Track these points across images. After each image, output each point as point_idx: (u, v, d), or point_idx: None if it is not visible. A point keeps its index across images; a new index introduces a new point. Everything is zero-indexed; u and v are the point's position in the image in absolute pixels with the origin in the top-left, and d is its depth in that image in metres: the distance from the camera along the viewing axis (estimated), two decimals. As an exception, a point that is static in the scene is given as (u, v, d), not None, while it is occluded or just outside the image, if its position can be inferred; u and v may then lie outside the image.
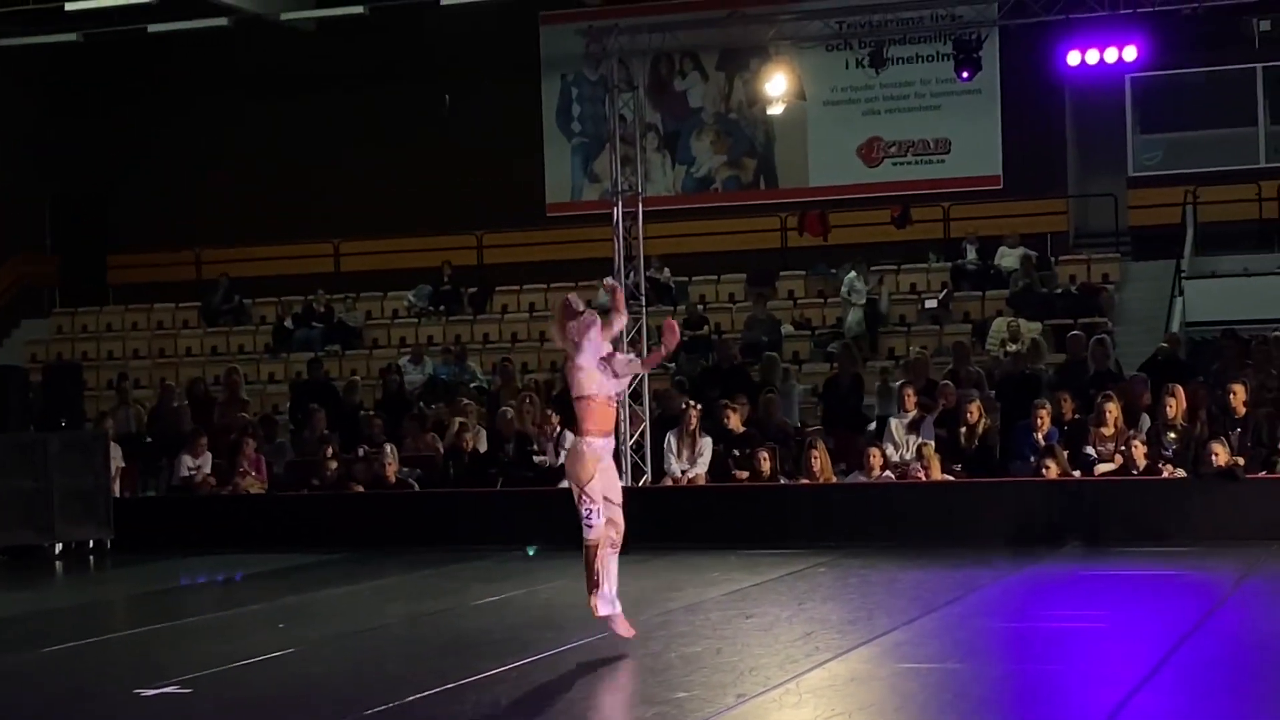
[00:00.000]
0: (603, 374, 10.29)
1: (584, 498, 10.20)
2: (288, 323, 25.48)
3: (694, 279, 24.64)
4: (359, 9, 25.40)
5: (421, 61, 26.24)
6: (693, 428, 17.66)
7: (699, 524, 17.00)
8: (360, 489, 18.47)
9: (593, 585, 10.28)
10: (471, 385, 21.82)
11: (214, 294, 26.59)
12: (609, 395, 10.36)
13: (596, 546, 10.23)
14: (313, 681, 9.95)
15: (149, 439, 21.07)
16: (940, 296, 22.89)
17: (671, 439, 17.81)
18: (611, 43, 19.02)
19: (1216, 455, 15.64)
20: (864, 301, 22.53)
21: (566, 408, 18.94)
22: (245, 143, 27.15)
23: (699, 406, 17.86)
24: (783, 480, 17.29)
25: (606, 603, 10.32)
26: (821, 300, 23.82)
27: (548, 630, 11.40)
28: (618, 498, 10.40)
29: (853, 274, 22.70)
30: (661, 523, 17.07)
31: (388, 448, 18.66)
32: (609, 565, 10.35)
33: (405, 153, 26.28)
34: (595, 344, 10.30)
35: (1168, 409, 16.23)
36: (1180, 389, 16.43)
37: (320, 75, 26.65)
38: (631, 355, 11.32)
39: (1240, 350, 18.71)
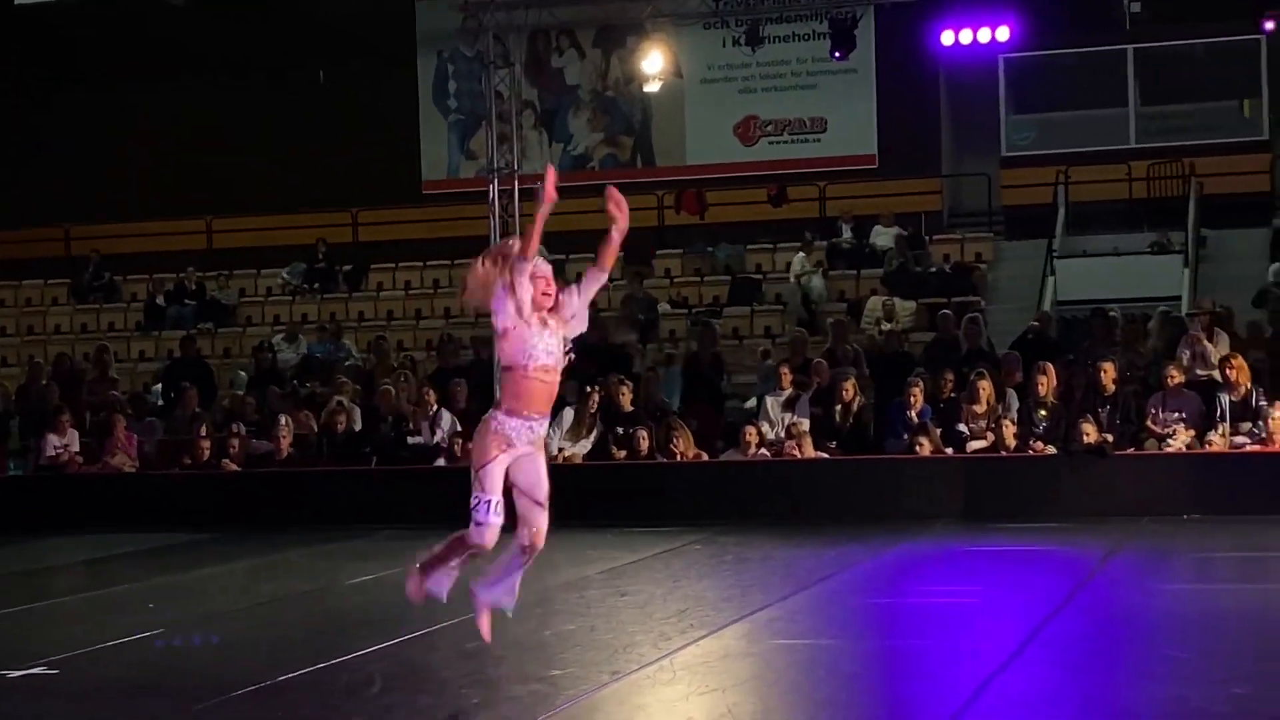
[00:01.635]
0: (534, 333, 8.31)
1: (476, 485, 8.40)
2: (159, 300, 25.15)
3: (571, 257, 24.54)
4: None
5: (296, 38, 25.96)
6: (593, 410, 17.64)
7: (576, 502, 16.93)
8: (234, 468, 18.29)
9: (429, 564, 8.76)
10: (347, 363, 21.65)
11: (84, 271, 26.18)
12: (540, 365, 8.36)
13: (467, 543, 8.54)
14: (182, 662, 9.85)
15: (16, 417, 20.71)
16: (819, 271, 23.01)
17: (566, 416, 17.76)
18: (488, 19, 18.99)
19: (1086, 433, 15.89)
20: (810, 284, 22.44)
21: (443, 386, 19.03)
22: (117, 119, 26.73)
23: (601, 390, 17.81)
24: (660, 459, 17.34)
25: (485, 589, 8.76)
26: (698, 278, 23.89)
27: (422, 609, 11.33)
28: (540, 495, 8.56)
29: (801, 255, 22.71)
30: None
31: (282, 419, 18.54)
32: (518, 570, 8.78)
33: (279, 129, 26.02)
34: (522, 289, 8.26)
35: (1039, 387, 16.44)
36: (1051, 367, 16.66)
37: (193, 51, 26.28)
38: (579, 283, 8.77)
39: (1109, 329, 19.01)
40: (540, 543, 8.57)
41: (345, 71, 25.83)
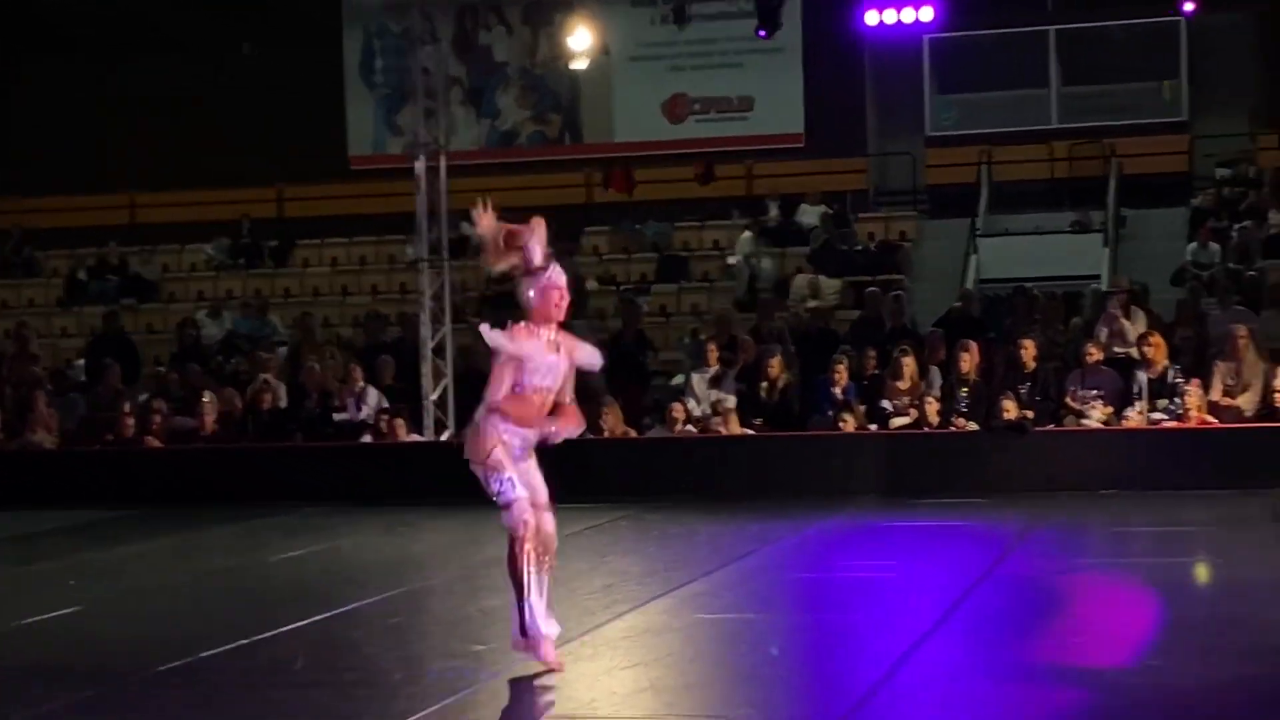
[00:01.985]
0: (538, 356, 8.05)
1: (489, 472, 8.06)
2: (81, 275, 24.90)
3: (498, 233, 24.54)
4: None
5: (221, 12, 25.71)
6: (520, 389, 17.59)
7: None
8: (157, 444, 18.16)
9: (522, 625, 8.13)
10: (272, 340, 21.52)
11: (4, 246, 25.86)
12: (536, 386, 8.14)
13: (517, 552, 8.10)
14: (104, 639, 9.80)
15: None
16: (748, 251, 23.05)
17: (499, 392, 17.71)
18: (415, -5, 18.88)
19: (1006, 409, 16.03)
20: (760, 265, 22.37)
21: (370, 362, 18.96)
22: (37, 93, 26.37)
23: None
24: (588, 435, 17.32)
25: (538, 622, 8.14)
26: (626, 256, 23.90)
27: (348, 585, 11.34)
28: (541, 498, 8.25)
29: (748, 234, 22.68)
30: (465, 477, 17.05)
31: (206, 396, 18.42)
32: (545, 587, 8.25)
33: (204, 104, 25.75)
34: (546, 318, 8.06)
35: (961, 364, 16.57)
36: (973, 344, 16.80)
37: (116, 24, 25.97)
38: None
39: (1030, 306, 19.15)
40: (554, 545, 8.33)
41: (271, 46, 25.61)
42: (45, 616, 10.43)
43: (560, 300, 8.08)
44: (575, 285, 23.29)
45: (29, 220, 26.07)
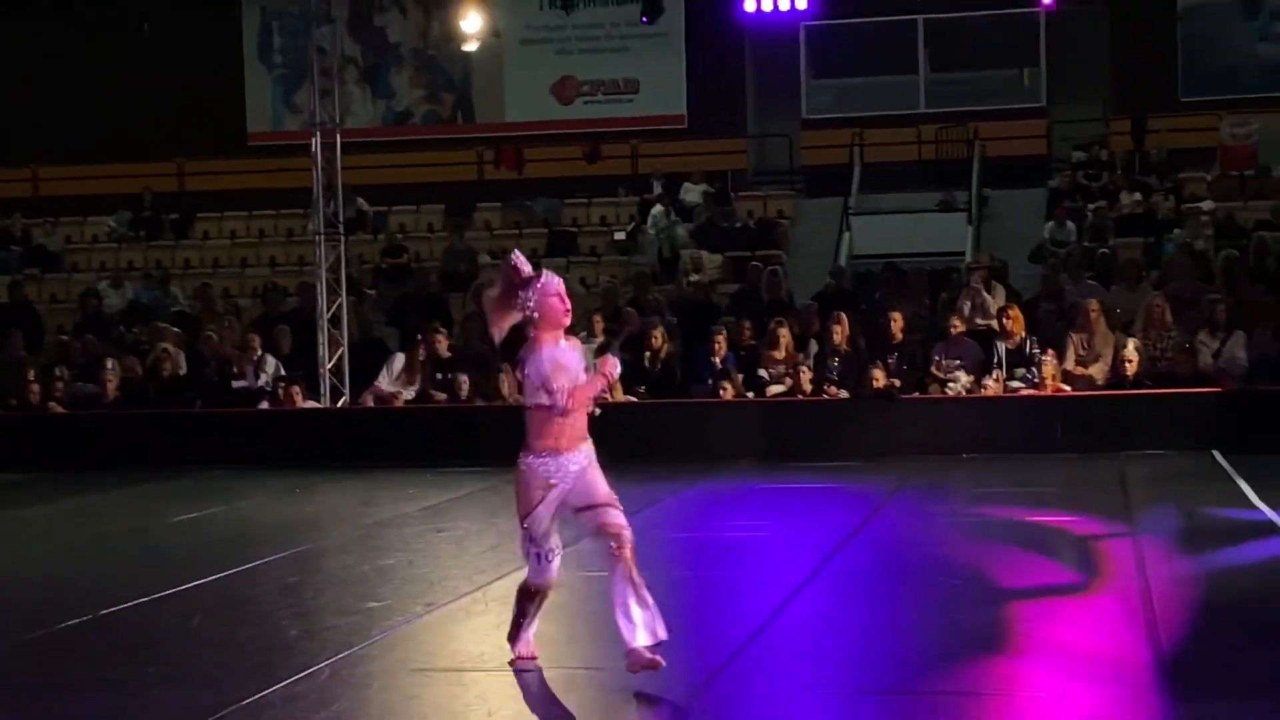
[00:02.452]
0: (558, 369, 7.30)
1: (524, 535, 7.44)
2: (-14, 247, 24.46)
3: (393, 209, 24.43)
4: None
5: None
6: (422, 358, 17.55)
7: (397, 443, 16.94)
8: (60, 410, 17.91)
9: (513, 634, 7.64)
10: (173, 310, 21.28)
11: (-92, 218, 25.35)
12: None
13: (530, 591, 7.58)
14: (6, 598, 9.66)
15: None
16: (629, 229, 23.10)
17: (397, 361, 17.66)
18: (311, -25, 18.69)
19: (875, 378, 16.18)
20: (675, 234, 22.29)
21: (267, 331, 18.80)
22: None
23: (440, 333, 17.74)
24: (479, 402, 17.32)
25: (634, 629, 7.32)
26: (517, 231, 23.84)
27: (246, 546, 11.26)
28: (600, 498, 7.46)
29: (659, 208, 22.60)
30: (361, 442, 17.02)
31: (109, 363, 18.18)
32: (627, 587, 7.37)
33: (106, 80, 25.36)
34: (556, 325, 7.37)
35: (834, 335, 16.71)
36: (845, 317, 16.94)
37: (21, 3, 25.54)
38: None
39: (899, 281, 19.33)
40: (628, 534, 7.43)
41: (170, 24, 25.23)
42: (-51, 577, 10.29)
43: (564, 305, 7.37)
44: (466, 259, 23.33)
45: (-68, 193, 25.57)
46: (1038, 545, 10.65)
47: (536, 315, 7.34)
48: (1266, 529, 10.92)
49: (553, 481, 7.39)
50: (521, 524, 7.40)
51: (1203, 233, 20.43)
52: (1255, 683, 6.97)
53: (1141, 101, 23.27)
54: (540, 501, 7.35)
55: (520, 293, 7.34)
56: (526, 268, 7.37)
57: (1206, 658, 7.45)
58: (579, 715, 6.77)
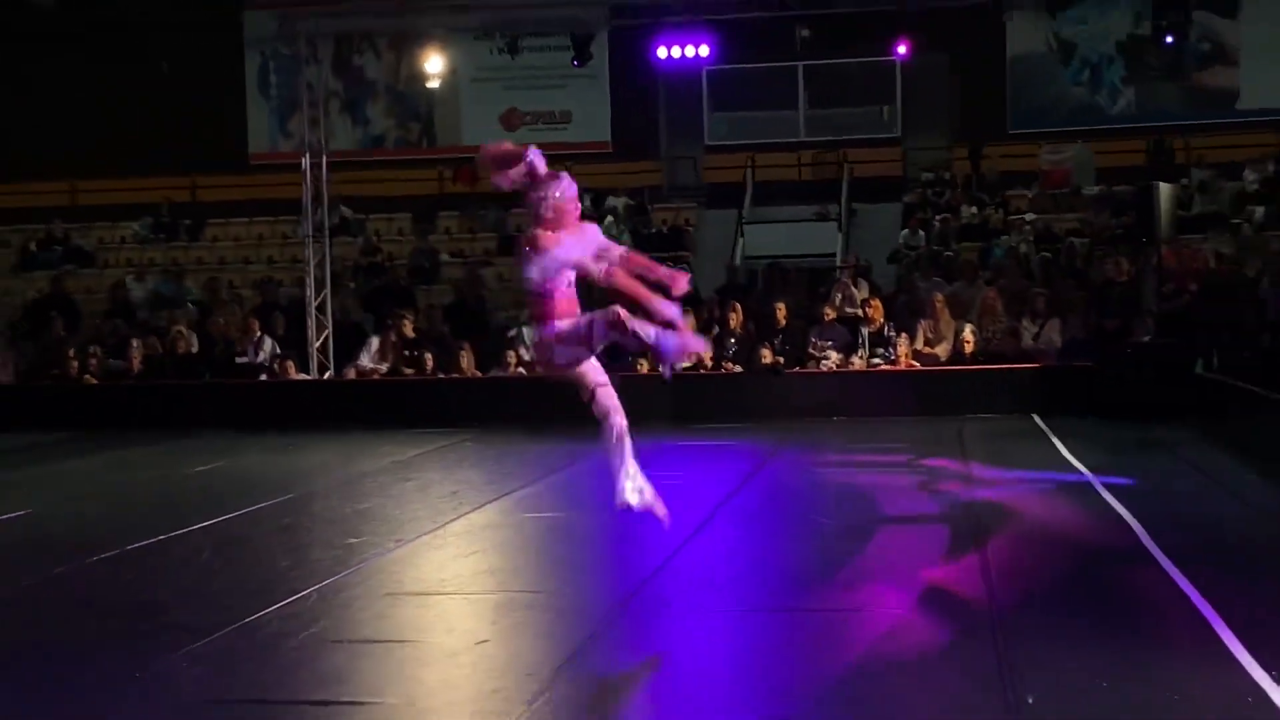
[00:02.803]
0: (573, 248, 6.33)
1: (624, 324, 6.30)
2: (31, 247, 24.07)
3: (370, 216, 24.22)
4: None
5: (146, 36, 24.93)
6: (394, 339, 17.44)
7: (373, 409, 16.85)
8: (94, 381, 17.68)
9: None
10: (187, 299, 21.05)
11: (-34, 222, 24.90)
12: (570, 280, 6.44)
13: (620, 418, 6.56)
14: (47, 536, 9.55)
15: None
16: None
17: (374, 341, 17.55)
18: (301, 26, 18.52)
19: (764, 356, 16.26)
20: (621, 237, 22.04)
21: (265, 317, 18.62)
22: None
23: (408, 318, 17.65)
24: (441, 375, 17.24)
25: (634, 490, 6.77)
26: (471, 235, 23.70)
27: (247, 494, 11.17)
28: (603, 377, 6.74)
29: (610, 218, 22.45)
30: (343, 408, 16.90)
31: (134, 343, 18.02)
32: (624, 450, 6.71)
33: (132, 108, 24.98)
34: (564, 227, 6.32)
35: (730, 321, 16.77)
36: (739, 306, 17.01)
37: (63, 41, 25.11)
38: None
39: (782, 278, 19.42)
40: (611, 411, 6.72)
41: (186, 63, 24.91)
42: (2, 517, 10.13)
43: (578, 209, 6.41)
44: (430, 257, 23.10)
45: (-11, 201, 25.18)
46: (892, 489, 10.75)
47: (549, 214, 6.30)
48: (1074, 473, 11.09)
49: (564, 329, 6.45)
50: (598, 316, 6.26)
51: (1025, 239, 20.65)
52: (1071, 600, 7.06)
53: (977, 133, 23.45)
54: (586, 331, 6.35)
55: (536, 188, 6.28)
56: (543, 165, 6.38)
57: (1026, 576, 7.55)
58: (517, 630, 6.77)
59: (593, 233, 6.59)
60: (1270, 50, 22.47)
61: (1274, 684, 5.48)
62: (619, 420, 6.78)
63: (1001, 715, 5.25)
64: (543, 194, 6.33)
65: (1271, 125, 21.57)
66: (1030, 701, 5.32)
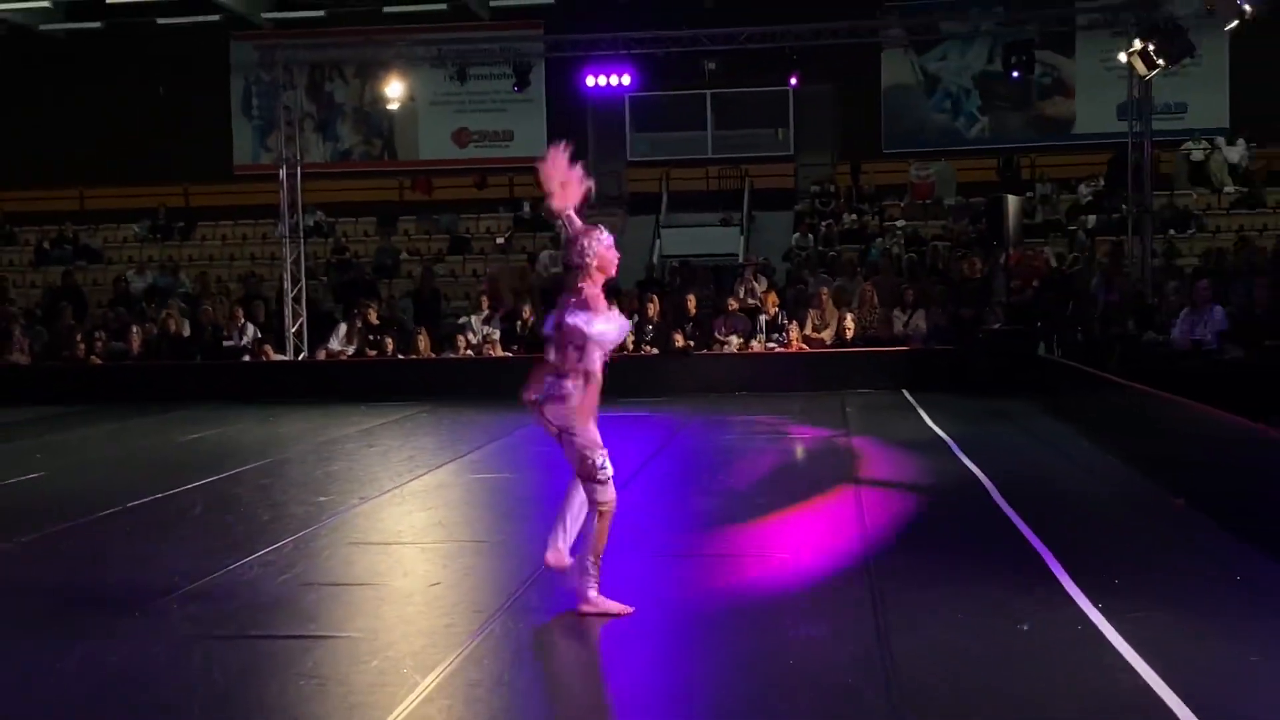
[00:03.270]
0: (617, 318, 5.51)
1: (592, 448, 5.58)
2: (45, 245, 23.56)
3: (339, 220, 23.95)
4: (97, 24, 23.70)
5: (145, 63, 24.44)
6: (359, 326, 17.26)
7: (344, 386, 16.68)
8: (99, 361, 17.35)
9: (598, 555, 5.72)
10: (180, 291, 20.70)
11: (-10, 223, 24.30)
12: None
13: (612, 513, 5.67)
14: (60, 494, 9.36)
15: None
16: (507, 236, 22.89)
17: (343, 327, 17.37)
18: (279, 55, 18.24)
19: (676, 340, 16.29)
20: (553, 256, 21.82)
21: (248, 306, 18.35)
22: (20, 118, 24.80)
23: (372, 308, 17.51)
24: (400, 357, 17.10)
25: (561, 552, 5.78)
26: (427, 236, 23.50)
27: (230, 458, 11.03)
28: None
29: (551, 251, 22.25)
30: (315, 385, 16.72)
31: (134, 328, 17.67)
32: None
33: (134, 126, 24.52)
34: (607, 275, 5.48)
35: (649, 310, 16.77)
36: (657, 297, 17.02)
37: (73, 66, 24.56)
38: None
39: (693, 274, 19.46)
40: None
41: (179, 87, 24.48)
42: (19, 479, 9.92)
43: (617, 255, 5.60)
44: (392, 256, 22.92)
45: (7, 205, 24.57)
46: (785, 451, 10.83)
47: (593, 263, 5.46)
48: (936, 438, 11.24)
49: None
50: (588, 439, 5.53)
51: (897, 242, 20.85)
52: (932, 542, 7.16)
53: (857, 152, 23.62)
54: (593, 421, 5.56)
55: (575, 235, 5.48)
56: (579, 221, 5.62)
57: (894, 522, 7.65)
58: (466, 574, 6.76)
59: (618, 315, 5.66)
60: (1100, 84, 22.86)
61: (1100, 614, 5.60)
62: (608, 503, 5.64)
63: (873, 638, 5.32)
64: (587, 242, 5.49)
65: (1101, 147, 21.94)
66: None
